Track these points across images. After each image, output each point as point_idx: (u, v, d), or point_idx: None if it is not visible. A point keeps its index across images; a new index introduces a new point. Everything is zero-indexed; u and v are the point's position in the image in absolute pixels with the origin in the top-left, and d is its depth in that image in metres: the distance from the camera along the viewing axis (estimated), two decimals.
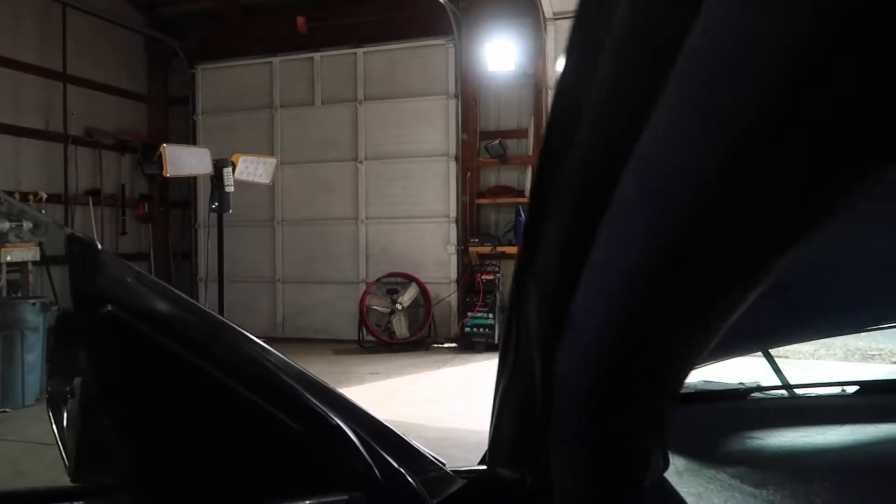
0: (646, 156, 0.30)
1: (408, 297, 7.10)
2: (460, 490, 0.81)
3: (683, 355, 0.45)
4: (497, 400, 0.70)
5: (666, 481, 0.60)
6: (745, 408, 0.88)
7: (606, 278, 0.38)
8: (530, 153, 7.19)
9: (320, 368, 6.22)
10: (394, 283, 7.28)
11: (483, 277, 6.98)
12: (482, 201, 7.47)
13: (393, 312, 7.05)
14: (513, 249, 6.90)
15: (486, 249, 7.08)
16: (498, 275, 7.04)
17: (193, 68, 8.35)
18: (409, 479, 0.74)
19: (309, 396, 0.67)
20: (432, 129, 7.44)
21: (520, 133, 7.35)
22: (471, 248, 7.20)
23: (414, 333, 7.14)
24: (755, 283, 0.33)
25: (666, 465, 0.65)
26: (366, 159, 7.67)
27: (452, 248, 7.41)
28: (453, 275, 7.41)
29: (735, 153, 0.27)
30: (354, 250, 7.73)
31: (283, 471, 0.64)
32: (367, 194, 7.67)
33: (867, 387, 0.87)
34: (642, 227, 0.33)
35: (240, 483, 0.65)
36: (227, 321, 0.70)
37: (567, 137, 0.33)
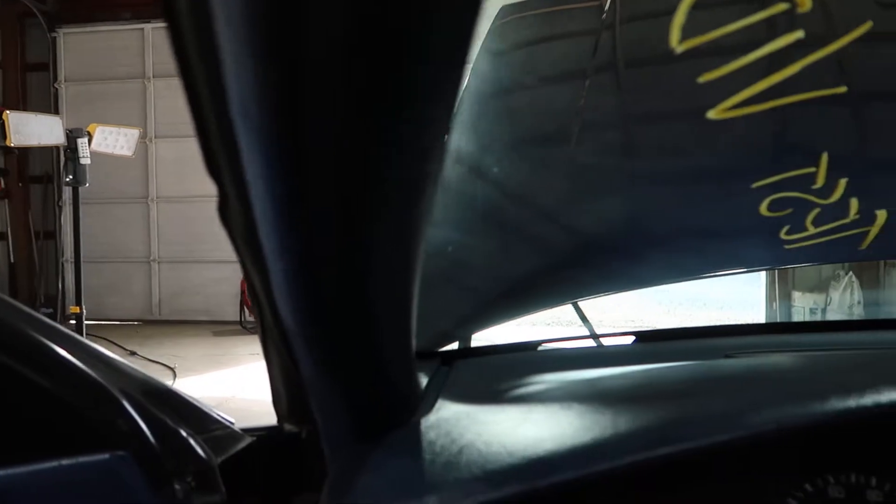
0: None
1: None
2: (249, 447, 0.81)
3: (389, 306, 0.48)
4: (265, 355, 0.71)
5: (425, 424, 0.63)
6: (532, 358, 0.94)
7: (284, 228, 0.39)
8: None
9: (198, 351, 6.01)
10: None
11: None
12: None
13: None
14: None
15: None
16: None
17: (54, 32, 7.70)
18: (187, 437, 0.73)
19: (65, 355, 0.65)
20: None
21: None
22: None
23: None
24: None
25: (428, 409, 0.69)
26: None
27: None
28: None
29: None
30: None
31: (28, 431, 0.62)
32: None
33: (641, 336, 0.95)
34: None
35: None
36: None
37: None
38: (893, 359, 0.64)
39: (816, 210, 0.72)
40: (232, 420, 0.83)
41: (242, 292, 6.96)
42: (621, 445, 0.45)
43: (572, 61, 0.93)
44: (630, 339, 0.99)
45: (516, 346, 0.95)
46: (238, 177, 0.35)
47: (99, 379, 0.68)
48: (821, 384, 0.48)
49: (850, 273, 4.73)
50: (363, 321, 0.50)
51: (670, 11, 0.71)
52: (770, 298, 5.22)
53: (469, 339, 0.95)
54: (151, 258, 7.69)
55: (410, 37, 0.29)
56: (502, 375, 0.81)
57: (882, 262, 4.70)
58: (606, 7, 0.91)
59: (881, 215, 0.72)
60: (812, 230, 0.72)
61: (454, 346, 0.94)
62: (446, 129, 0.36)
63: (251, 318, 6.94)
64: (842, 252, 0.76)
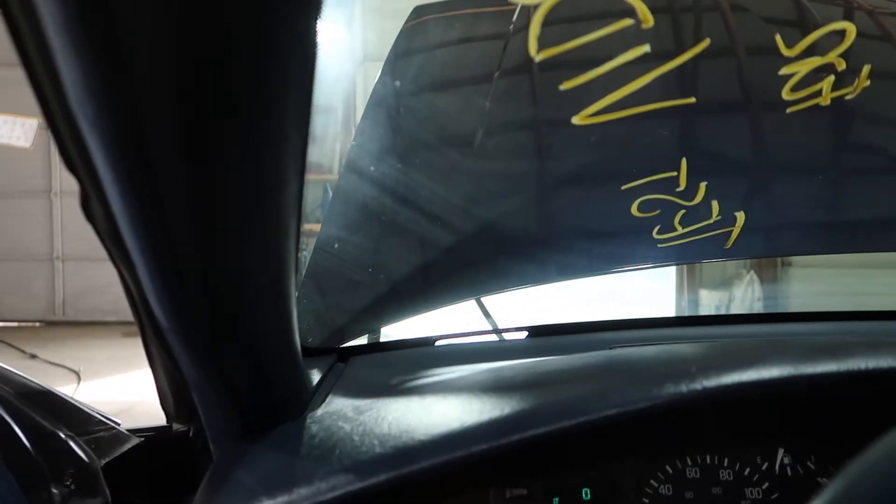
0: None
1: None
2: (136, 448, 0.80)
3: (262, 304, 0.48)
4: (146, 353, 0.70)
5: (309, 419, 0.64)
6: (429, 353, 0.96)
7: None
8: (339, 130, 7.12)
9: (105, 353, 5.73)
10: None
11: None
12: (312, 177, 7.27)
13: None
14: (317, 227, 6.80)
15: None
16: (305, 252, 6.93)
17: None
18: (66, 438, 0.71)
19: None
20: None
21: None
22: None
23: None
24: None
25: (318, 404, 0.70)
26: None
27: None
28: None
29: None
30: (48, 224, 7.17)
31: None
32: (61, 164, 7.11)
33: (535, 331, 0.99)
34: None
35: None
36: None
37: None
38: (757, 347, 0.69)
39: (682, 211, 0.77)
40: (118, 421, 0.81)
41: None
42: (477, 434, 0.48)
43: (480, 66, 0.95)
44: (524, 335, 1.03)
45: (413, 341, 0.97)
46: (91, 172, 0.35)
47: None
48: (675, 370, 0.52)
49: (752, 272, 5.04)
50: (234, 319, 0.50)
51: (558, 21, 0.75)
52: (679, 295, 5.46)
53: (371, 336, 0.97)
54: (55, 255, 7.27)
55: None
56: (397, 371, 0.83)
57: (779, 261, 5.03)
58: (517, 12, 0.94)
59: (740, 217, 0.78)
60: (681, 230, 0.78)
61: (354, 343, 0.95)
62: (305, 131, 0.37)
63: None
64: (710, 251, 0.82)
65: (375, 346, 0.94)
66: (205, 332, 0.51)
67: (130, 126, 0.30)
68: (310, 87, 0.34)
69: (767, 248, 0.86)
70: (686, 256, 0.81)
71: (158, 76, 0.29)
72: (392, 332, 1.00)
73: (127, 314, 0.59)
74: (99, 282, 7.16)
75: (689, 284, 5.35)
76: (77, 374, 5.00)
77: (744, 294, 5.11)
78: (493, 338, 1.05)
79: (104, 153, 0.32)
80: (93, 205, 0.42)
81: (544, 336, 1.00)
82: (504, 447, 0.46)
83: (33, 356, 5.40)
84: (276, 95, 0.32)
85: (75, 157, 0.36)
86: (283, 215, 0.41)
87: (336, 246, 0.87)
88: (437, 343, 0.96)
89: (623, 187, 0.75)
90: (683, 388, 0.47)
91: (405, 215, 0.83)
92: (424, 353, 0.94)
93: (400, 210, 0.83)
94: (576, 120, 0.70)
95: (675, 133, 0.75)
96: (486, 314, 1.13)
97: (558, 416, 0.47)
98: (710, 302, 5.26)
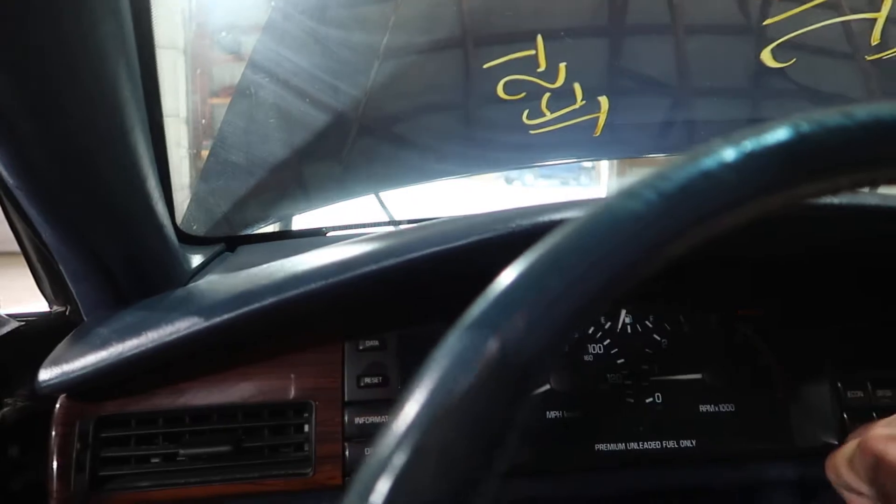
0: None
1: None
2: (15, 331, 0.80)
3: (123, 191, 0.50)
4: (19, 244, 0.70)
5: (179, 291, 0.66)
6: (319, 242, 0.98)
7: None
8: None
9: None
10: None
11: None
12: (216, 101, 6.98)
13: None
14: None
15: None
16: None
17: None
18: None
19: None
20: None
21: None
22: (204, 153, 6.76)
23: None
24: None
25: (191, 281, 0.72)
26: None
27: (185, 152, 6.89)
28: (186, 179, 6.94)
29: None
30: None
31: None
32: None
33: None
34: None
35: None
36: None
37: None
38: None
39: (547, 94, 0.80)
40: None
41: None
42: (309, 275, 0.52)
43: None
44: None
45: (303, 232, 0.99)
46: None
47: None
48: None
49: None
50: (79, 183, 0.52)
51: None
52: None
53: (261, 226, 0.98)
54: None
55: None
56: (279, 257, 0.85)
57: None
58: None
59: (604, 101, 0.82)
60: (549, 115, 0.81)
61: (243, 233, 0.97)
62: None
63: None
64: (580, 141, 0.85)
65: (263, 236, 0.96)
66: (50, 189, 0.52)
67: None
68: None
69: (631, 146, 0.88)
70: (559, 147, 0.84)
71: None
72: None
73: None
74: None
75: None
76: None
77: None
78: (388, 230, 1.07)
79: None
80: None
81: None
82: (331, 287, 0.50)
83: None
84: None
85: None
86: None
87: (230, 142, 0.87)
88: (329, 234, 0.99)
89: (485, 65, 0.77)
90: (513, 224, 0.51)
91: (299, 120, 0.83)
92: (314, 243, 0.96)
93: (293, 107, 0.84)
94: None
95: (530, 7, 0.77)
96: (383, 206, 1.15)
97: (382, 256, 0.51)
98: None
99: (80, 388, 0.53)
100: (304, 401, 0.58)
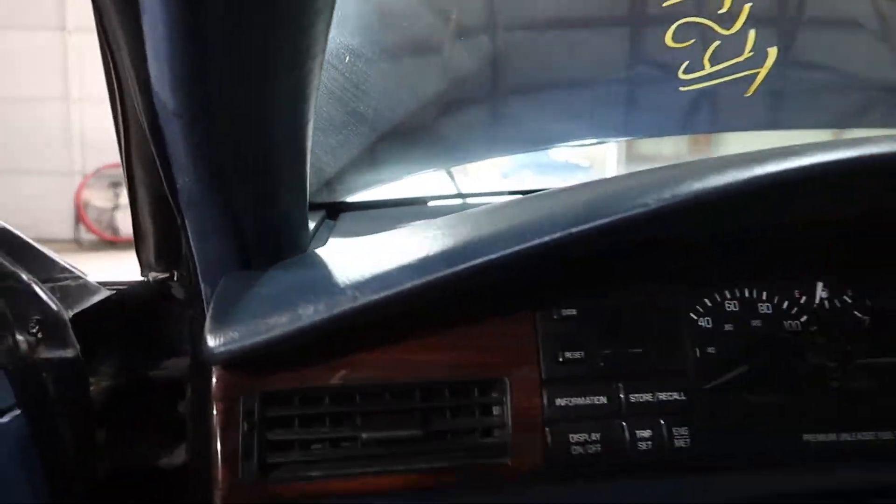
0: None
1: None
2: (107, 300, 0.71)
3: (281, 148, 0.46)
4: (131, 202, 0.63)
5: (306, 257, 0.59)
6: (420, 212, 0.91)
7: None
8: None
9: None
10: (117, 175, 6.50)
11: None
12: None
13: (117, 207, 6.36)
14: None
15: None
16: None
17: None
18: (29, 281, 0.62)
19: None
20: None
21: None
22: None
23: None
24: None
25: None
26: (78, 30, 6.50)
27: None
28: None
29: None
30: (66, 135, 6.67)
31: None
32: (81, 69, 6.55)
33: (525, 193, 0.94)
34: None
35: None
36: None
37: None
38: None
39: (716, 43, 0.72)
40: (83, 271, 0.72)
41: (77, 207, 6.33)
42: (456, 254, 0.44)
43: None
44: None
45: (404, 200, 0.91)
46: None
47: None
48: (694, 173, 0.48)
49: None
50: (246, 119, 0.44)
51: None
52: None
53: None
54: None
55: None
56: (384, 226, 0.79)
57: None
58: None
59: (772, 53, 0.74)
60: (708, 68, 0.73)
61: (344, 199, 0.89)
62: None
63: (89, 235, 6.37)
64: (729, 100, 0.76)
65: (365, 204, 0.88)
66: (214, 120, 0.44)
67: None
68: None
69: (778, 117, 0.81)
70: (700, 106, 0.76)
71: None
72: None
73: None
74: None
75: None
76: None
77: None
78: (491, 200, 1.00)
79: None
80: None
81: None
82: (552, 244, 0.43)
83: None
84: None
85: None
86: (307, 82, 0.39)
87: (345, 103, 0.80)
88: (431, 204, 0.91)
89: (664, 3, 0.69)
90: (716, 181, 0.43)
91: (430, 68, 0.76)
92: (415, 212, 0.89)
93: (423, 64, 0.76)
94: None
95: None
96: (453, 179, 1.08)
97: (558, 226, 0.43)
98: None
99: (248, 356, 0.44)
100: (497, 378, 0.49)
